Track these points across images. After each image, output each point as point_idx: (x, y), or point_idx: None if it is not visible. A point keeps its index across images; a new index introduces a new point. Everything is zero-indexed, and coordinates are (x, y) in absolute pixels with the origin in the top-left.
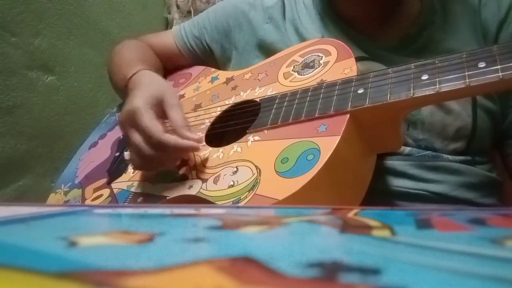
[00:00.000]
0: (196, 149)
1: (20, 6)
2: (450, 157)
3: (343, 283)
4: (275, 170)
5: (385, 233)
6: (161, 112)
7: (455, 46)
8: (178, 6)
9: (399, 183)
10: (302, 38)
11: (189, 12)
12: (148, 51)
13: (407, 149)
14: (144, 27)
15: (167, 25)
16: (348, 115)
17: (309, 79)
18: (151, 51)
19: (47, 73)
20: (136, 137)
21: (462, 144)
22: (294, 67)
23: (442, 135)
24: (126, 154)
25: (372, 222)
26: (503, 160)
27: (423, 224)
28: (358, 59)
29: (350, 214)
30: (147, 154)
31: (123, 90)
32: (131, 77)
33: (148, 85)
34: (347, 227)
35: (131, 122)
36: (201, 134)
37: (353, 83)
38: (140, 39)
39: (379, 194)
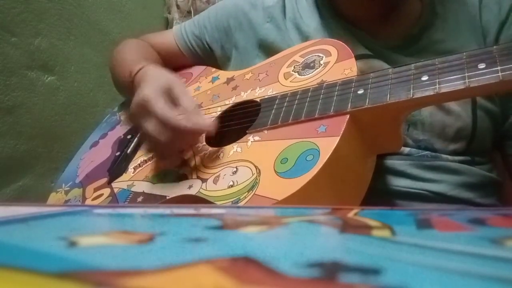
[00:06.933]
0: (210, 132)
1: (20, 6)
2: (449, 157)
3: (343, 283)
4: (275, 170)
5: (385, 233)
6: (170, 101)
7: (455, 47)
8: (178, 6)
9: (398, 183)
10: (303, 37)
11: (189, 12)
12: (149, 49)
13: (406, 149)
14: (144, 27)
15: (167, 25)
16: (347, 116)
17: (310, 79)
18: (152, 49)
19: (47, 73)
20: (151, 125)
21: (462, 145)
22: (294, 67)
23: (442, 135)
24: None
25: (372, 222)
26: (504, 161)
27: (423, 224)
28: (360, 56)
29: (350, 214)
30: (163, 140)
31: (128, 87)
32: (136, 73)
33: (155, 76)
34: (347, 227)
35: (143, 112)
36: (213, 119)
37: (353, 83)
38: (140, 39)
39: (378, 194)
